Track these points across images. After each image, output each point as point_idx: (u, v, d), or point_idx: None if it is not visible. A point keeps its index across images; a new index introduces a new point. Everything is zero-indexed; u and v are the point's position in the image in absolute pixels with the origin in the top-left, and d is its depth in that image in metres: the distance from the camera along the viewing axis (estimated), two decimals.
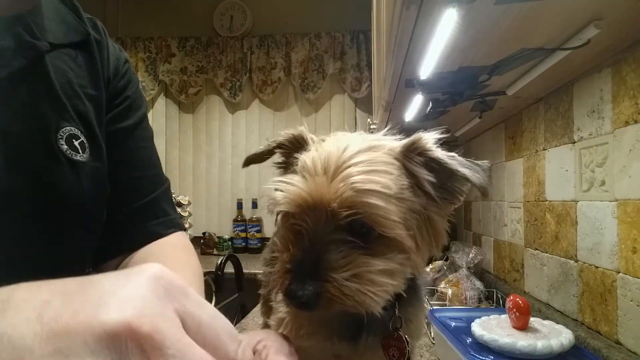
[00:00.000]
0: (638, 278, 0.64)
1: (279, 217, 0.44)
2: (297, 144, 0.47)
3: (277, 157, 0.51)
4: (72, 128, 0.50)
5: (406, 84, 0.89)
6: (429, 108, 0.97)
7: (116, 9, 2.77)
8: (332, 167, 0.39)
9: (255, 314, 1.16)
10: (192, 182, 2.74)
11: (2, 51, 0.44)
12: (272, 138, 0.50)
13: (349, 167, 0.39)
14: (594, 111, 0.75)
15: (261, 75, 2.64)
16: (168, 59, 2.69)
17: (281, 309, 0.52)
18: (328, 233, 0.39)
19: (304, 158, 0.41)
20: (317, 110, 2.67)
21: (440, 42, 0.64)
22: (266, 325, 0.75)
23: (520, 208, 1.09)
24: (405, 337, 0.48)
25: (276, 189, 0.40)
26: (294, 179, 0.40)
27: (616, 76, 0.69)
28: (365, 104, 2.60)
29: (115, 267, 0.58)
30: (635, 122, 0.64)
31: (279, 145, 0.49)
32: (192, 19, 2.73)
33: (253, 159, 0.50)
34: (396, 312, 0.48)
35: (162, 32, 2.70)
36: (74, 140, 0.50)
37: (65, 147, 0.49)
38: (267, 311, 0.77)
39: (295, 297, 0.37)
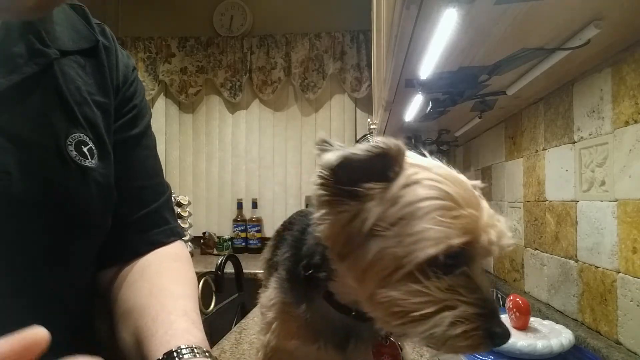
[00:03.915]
0: (638, 278, 0.64)
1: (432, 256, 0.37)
2: (388, 158, 0.40)
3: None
4: (81, 134, 0.50)
5: (406, 84, 0.89)
6: (429, 108, 0.97)
7: (116, 9, 2.77)
8: (477, 200, 0.38)
9: (255, 314, 1.16)
10: (192, 182, 2.74)
11: (14, 58, 0.45)
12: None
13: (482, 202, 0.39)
14: (594, 111, 0.75)
15: (261, 75, 2.64)
16: (168, 59, 2.69)
17: (269, 314, 0.51)
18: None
19: (444, 188, 0.37)
20: (317, 110, 2.67)
21: (440, 42, 0.64)
22: None
23: (520, 208, 1.08)
24: (398, 344, 0.48)
25: (442, 223, 0.36)
26: (455, 211, 0.36)
27: (616, 76, 0.69)
28: (365, 104, 2.60)
29: (115, 274, 0.59)
30: (635, 122, 0.64)
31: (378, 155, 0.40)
32: (192, 19, 2.73)
33: (351, 159, 0.39)
34: None
35: (162, 32, 2.70)
36: (82, 146, 0.50)
37: (75, 153, 0.49)
38: None
39: (502, 338, 0.37)
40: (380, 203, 0.37)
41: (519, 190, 1.09)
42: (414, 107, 1.08)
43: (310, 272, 0.46)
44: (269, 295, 0.53)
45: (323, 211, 0.40)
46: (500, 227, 0.38)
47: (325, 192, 0.39)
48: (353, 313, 0.46)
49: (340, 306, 0.47)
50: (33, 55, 0.46)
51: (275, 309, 0.51)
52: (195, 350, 0.44)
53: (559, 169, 0.88)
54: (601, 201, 0.73)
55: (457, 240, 0.35)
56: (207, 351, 0.46)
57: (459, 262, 0.37)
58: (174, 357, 0.43)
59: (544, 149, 0.95)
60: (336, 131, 2.63)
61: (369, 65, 2.49)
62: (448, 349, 0.36)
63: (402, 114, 1.20)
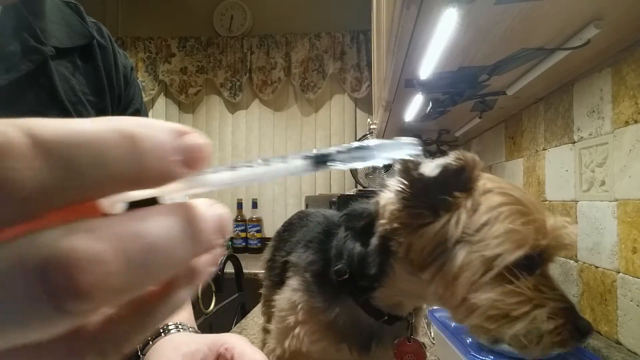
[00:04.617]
0: (638, 278, 0.64)
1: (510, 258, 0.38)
2: (467, 169, 0.41)
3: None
4: None
5: (406, 84, 0.89)
6: (429, 108, 0.97)
7: (116, 9, 2.77)
8: (542, 205, 0.41)
9: (255, 314, 1.16)
10: None
11: (10, 56, 0.45)
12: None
13: None
14: (594, 111, 0.75)
15: (261, 75, 2.64)
16: (168, 59, 2.69)
17: (291, 318, 0.51)
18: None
19: (515, 194, 0.40)
20: (317, 110, 2.67)
21: (440, 42, 0.64)
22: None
23: None
24: (423, 343, 0.49)
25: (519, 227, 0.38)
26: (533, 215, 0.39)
27: (616, 76, 0.69)
28: (365, 104, 2.60)
29: None
30: (635, 122, 0.64)
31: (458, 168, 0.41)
32: (192, 19, 2.73)
33: (447, 169, 0.40)
34: (412, 321, 0.50)
35: (162, 32, 2.70)
36: None
37: None
38: (268, 311, 0.77)
39: (589, 331, 0.39)
40: (464, 211, 0.39)
41: None
42: (414, 107, 1.08)
43: (344, 277, 0.48)
44: (289, 298, 0.53)
45: (396, 225, 0.42)
46: (570, 228, 0.40)
47: (402, 206, 0.42)
48: (385, 317, 0.48)
49: (374, 311, 0.48)
50: (28, 52, 0.46)
51: (303, 313, 0.51)
52: (180, 326, 0.49)
53: (559, 169, 0.88)
54: (601, 201, 0.73)
55: (543, 241, 0.38)
56: (192, 327, 0.50)
57: (536, 263, 0.39)
58: (160, 333, 0.47)
59: (544, 149, 0.95)
60: (336, 131, 2.63)
61: (369, 65, 2.49)
62: (542, 347, 0.37)
63: (402, 114, 1.20)
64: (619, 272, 0.68)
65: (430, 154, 1.88)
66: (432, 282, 0.41)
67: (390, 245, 0.44)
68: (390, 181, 0.46)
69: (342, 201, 1.53)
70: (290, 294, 0.53)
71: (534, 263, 0.39)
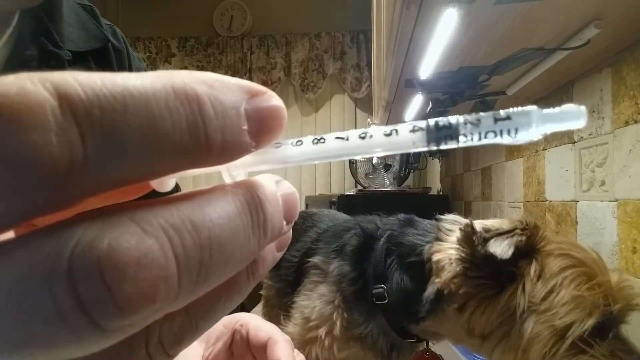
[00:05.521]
0: (638, 278, 0.63)
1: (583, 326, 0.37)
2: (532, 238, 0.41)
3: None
4: None
5: (406, 84, 0.89)
6: (429, 108, 0.97)
7: (116, 9, 2.77)
8: (603, 262, 0.40)
9: (256, 314, 1.16)
10: (192, 182, 2.74)
11: (28, 61, 0.45)
12: None
13: None
14: (594, 111, 0.75)
15: (261, 75, 2.64)
16: (168, 59, 2.69)
17: (320, 330, 0.52)
18: None
19: (575, 255, 0.40)
20: (317, 110, 2.67)
21: (440, 42, 0.64)
22: None
23: (520, 208, 1.08)
24: (440, 355, 0.50)
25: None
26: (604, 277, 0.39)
27: (616, 76, 0.69)
28: (365, 104, 2.60)
29: None
30: (635, 122, 0.64)
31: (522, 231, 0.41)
32: (192, 19, 2.73)
33: (517, 246, 0.39)
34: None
35: (162, 32, 2.70)
36: None
37: None
38: (269, 312, 0.77)
39: None
40: (529, 279, 0.38)
41: (519, 190, 1.09)
42: (414, 107, 1.08)
43: (382, 302, 0.48)
44: (320, 309, 0.52)
45: (456, 290, 0.41)
46: (634, 287, 0.39)
47: (464, 276, 0.40)
48: (414, 339, 0.50)
49: (406, 334, 0.49)
50: (46, 57, 0.46)
51: (339, 327, 0.51)
52: None
53: (559, 169, 0.88)
54: (601, 201, 0.73)
55: (614, 307, 0.36)
56: None
57: (609, 327, 0.37)
58: None
59: (544, 149, 0.95)
60: (336, 131, 2.63)
61: (369, 65, 2.49)
62: None
63: (402, 114, 1.20)
64: None
65: (430, 154, 1.88)
66: (495, 350, 0.40)
67: (444, 300, 0.43)
68: (446, 228, 0.45)
69: (342, 201, 1.53)
70: (321, 304, 0.52)
71: (605, 327, 0.37)
